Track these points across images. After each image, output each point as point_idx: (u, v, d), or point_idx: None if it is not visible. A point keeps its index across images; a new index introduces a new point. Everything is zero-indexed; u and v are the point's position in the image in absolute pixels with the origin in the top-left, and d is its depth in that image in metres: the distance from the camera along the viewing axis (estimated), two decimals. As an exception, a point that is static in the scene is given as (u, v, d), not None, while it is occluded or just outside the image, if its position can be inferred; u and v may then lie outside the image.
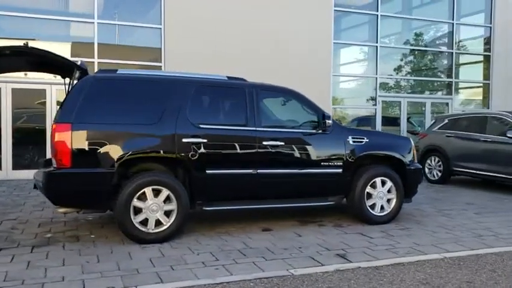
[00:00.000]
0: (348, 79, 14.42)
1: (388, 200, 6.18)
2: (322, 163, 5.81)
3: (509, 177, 8.74)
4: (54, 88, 10.45)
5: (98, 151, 4.81)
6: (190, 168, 5.15)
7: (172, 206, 5.05)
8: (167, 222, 5.03)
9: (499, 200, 8.26)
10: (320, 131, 5.83)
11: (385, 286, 3.85)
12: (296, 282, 3.90)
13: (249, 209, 5.64)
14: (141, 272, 4.09)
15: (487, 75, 15.53)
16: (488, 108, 15.32)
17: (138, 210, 4.93)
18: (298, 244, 5.06)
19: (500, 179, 9.00)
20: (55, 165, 4.73)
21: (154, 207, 4.98)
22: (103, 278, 3.92)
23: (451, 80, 15.03)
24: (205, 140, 5.19)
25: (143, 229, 4.95)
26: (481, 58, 15.67)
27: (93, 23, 10.80)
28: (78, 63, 5.04)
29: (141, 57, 11.37)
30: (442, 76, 15.36)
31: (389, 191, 6.17)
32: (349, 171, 5.93)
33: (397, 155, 6.24)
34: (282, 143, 5.57)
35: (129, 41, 11.56)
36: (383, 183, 6.12)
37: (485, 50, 15.59)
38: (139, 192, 4.91)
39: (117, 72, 5.23)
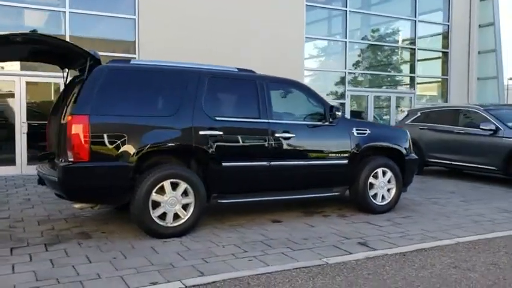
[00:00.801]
0: (318, 73, 14.66)
1: (388, 190, 6.37)
2: (330, 154, 5.92)
3: (482, 166, 9.25)
4: (23, 80, 9.91)
5: (116, 144, 4.63)
6: (207, 161, 5.08)
7: (190, 199, 4.96)
8: (185, 216, 4.95)
9: (477, 188, 8.74)
10: (327, 123, 5.92)
11: (420, 271, 3.98)
12: (335, 270, 3.96)
13: (263, 201, 5.65)
14: (176, 265, 4.00)
15: (445, 71, 16.28)
16: (446, 102, 16.08)
17: (156, 204, 4.81)
18: (315, 234, 5.13)
19: (473, 168, 9.50)
20: (71, 159, 4.51)
21: (173, 200, 4.87)
22: (140, 273, 3.80)
23: (413, 75, 15.64)
24: (221, 133, 5.13)
25: (162, 223, 4.83)
26: (440, 54, 16.41)
27: (65, 12, 10.32)
28: (92, 52, 4.82)
29: (115, 49, 11.01)
30: (405, 71, 15.95)
31: (389, 181, 6.36)
32: (354, 162, 6.06)
33: (397, 146, 6.45)
34: (293, 135, 5.61)
35: (101, 32, 11.15)
36: (384, 173, 6.31)
37: (443, 47, 16.33)
38: (158, 186, 4.79)
39: (131, 62, 5.05)
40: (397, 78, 15.93)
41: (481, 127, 9.26)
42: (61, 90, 6.12)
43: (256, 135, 5.42)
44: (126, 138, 4.66)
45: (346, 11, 14.05)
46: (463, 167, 9.79)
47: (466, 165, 9.63)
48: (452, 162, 9.87)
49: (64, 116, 5.69)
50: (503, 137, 9.01)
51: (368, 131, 6.20)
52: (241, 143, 5.33)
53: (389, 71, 15.75)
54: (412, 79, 15.67)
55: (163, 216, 4.85)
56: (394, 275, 3.86)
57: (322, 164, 5.86)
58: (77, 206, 4.86)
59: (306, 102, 5.99)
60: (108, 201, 4.89)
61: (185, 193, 4.95)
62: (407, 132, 6.76)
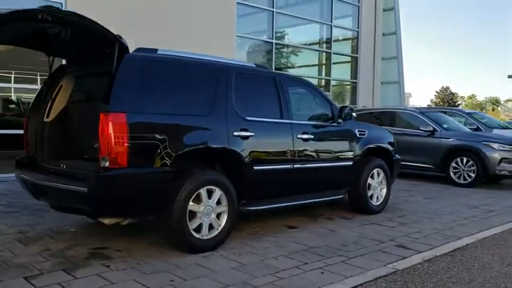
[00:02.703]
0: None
1: (381, 190, 6.47)
2: (341, 156, 5.83)
3: (421, 165, 9.93)
4: None
5: (155, 147, 3.96)
6: (240, 165, 4.61)
7: (224, 207, 4.46)
8: (219, 226, 4.43)
9: (422, 186, 9.36)
10: (335, 123, 5.81)
11: (482, 270, 4.06)
12: (413, 276, 3.85)
13: (288, 206, 5.31)
14: (255, 284, 3.53)
15: (354, 75, 17.26)
16: (356, 105, 17.05)
17: (191, 215, 4.22)
18: (346, 239, 4.95)
19: (412, 167, 10.14)
20: (106, 165, 3.72)
21: (208, 210, 4.33)
22: (225, 297, 3.28)
23: (328, 78, 16.29)
24: (252, 134, 4.69)
25: (197, 236, 4.26)
26: (349, 59, 17.34)
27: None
28: (121, 39, 4.02)
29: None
30: (322, 74, 16.55)
31: (381, 182, 6.46)
32: (358, 164, 6.03)
33: (388, 147, 6.57)
34: (311, 136, 5.37)
35: None
36: (378, 174, 6.38)
37: (352, 52, 17.29)
38: (195, 194, 4.21)
39: (158, 52, 4.35)
40: (314, 81, 16.46)
41: (420, 128, 9.94)
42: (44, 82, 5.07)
43: (281, 136, 5.09)
44: (166, 140, 4.00)
45: (272, 11, 14.08)
46: (402, 166, 10.39)
47: (405, 164, 10.24)
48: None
49: (49, 112, 4.76)
50: (441, 137, 9.78)
51: (367, 132, 6.21)
52: (269, 146, 4.95)
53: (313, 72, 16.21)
54: (328, 82, 16.32)
55: (198, 228, 4.28)
56: (474, 276, 3.87)
57: (335, 166, 5.74)
58: (107, 221, 4.05)
59: (317, 102, 5.81)
60: (144, 214, 4.16)
61: (218, 201, 4.43)
62: (391, 133, 6.94)
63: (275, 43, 14.30)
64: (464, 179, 9.40)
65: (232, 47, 12.49)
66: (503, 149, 9.18)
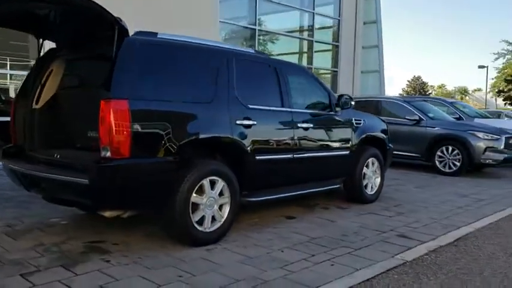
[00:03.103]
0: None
1: (375, 179, 6.43)
2: (339, 145, 5.75)
3: (407, 154, 9.97)
4: None
5: (158, 135, 3.76)
6: (242, 155, 4.46)
7: (226, 199, 4.31)
8: (221, 218, 4.28)
9: (410, 174, 9.41)
10: (333, 112, 5.71)
11: (489, 260, 4.05)
12: (422, 268, 3.80)
13: (288, 197, 5.19)
14: (267, 279, 3.41)
15: (335, 63, 17.22)
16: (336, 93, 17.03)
17: (194, 207, 4.06)
18: (347, 230, 4.88)
19: (398, 156, 10.16)
20: (108, 155, 3.51)
21: (211, 201, 4.18)
22: (239, 293, 3.15)
23: (311, 66, 16.20)
24: (254, 123, 4.54)
25: (200, 228, 4.11)
26: (331, 47, 17.29)
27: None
28: (121, 21, 3.76)
29: None
30: (305, 62, 16.45)
31: (375, 171, 6.42)
32: (355, 153, 5.96)
33: (383, 136, 6.52)
34: (311, 125, 5.26)
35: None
36: (372, 163, 6.33)
37: (334, 40, 17.22)
38: (198, 186, 4.05)
39: (159, 36, 4.12)
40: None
41: (406, 117, 9.97)
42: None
43: (282, 125, 4.96)
44: (169, 128, 3.81)
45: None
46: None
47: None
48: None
49: (38, 99, 4.50)
50: (427, 126, 9.83)
51: (363, 121, 6.14)
52: (271, 135, 4.81)
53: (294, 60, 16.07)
54: (310, 69, 16.22)
55: (200, 221, 4.12)
56: (482, 267, 3.85)
57: (334, 155, 5.66)
58: (108, 214, 3.83)
59: (315, 90, 5.67)
60: (146, 206, 3.95)
61: (221, 192, 4.28)
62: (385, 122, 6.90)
63: (258, 29, 14.09)
64: (450, 167, 9.49)
65: (216, 33, 12.23)
66: (488, 138, 9.30)
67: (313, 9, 15.92)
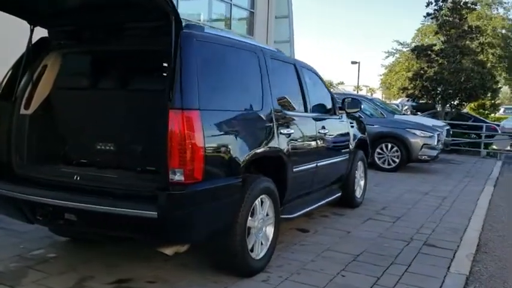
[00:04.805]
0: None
1: (360, 182, 6.32)
2: (344, 149, 5.49)
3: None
4: None
5: (226, 152, 3.12)
6: (285, 168, 3.94)
7: (271, 219, 3.79)
8: (267, 242, 3.75)
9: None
10: (338, 116, 5.44)
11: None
12: (490, 281, 3.73)
13: (313, 209, 4.79)
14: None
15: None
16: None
17: (248, 232, 3.48)
18: (373, 242, 4.61)
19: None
20: (181, 179, 2.77)
21: (261, 224, 3.63)
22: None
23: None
24: (292, 131, 4.06)
25: (253, 256, 3.54)
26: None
27: None
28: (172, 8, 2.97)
29: None
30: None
31: (361, 174, 6.31)
32: (351, 156, 5.76)
33: (367, 138, 6.43)
34: (327, 131, 4.91)
35: None
36: (359, 166, 6.21)
37: (248, 33, 16.92)
38: (252, 207, 3.48)
39: (205, 30, 3.39)
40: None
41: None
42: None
43: (309, 132, 4.53)
44: (234, 143, 3.20)
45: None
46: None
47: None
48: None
49: (28, 102, 3.54)
50: (367, 124, 10.02)
51: (355, 123, 5.97)
52: (303, 143, 4.36)
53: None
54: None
55: (251, 247, 3.56)
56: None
57: (341, 160, 5.39)
58: (169, 250, 3.06)
59: (323, 92, 5.33)
60: (211, 237, 3.25)
61: (267, 213, 3.75)
62: (363, 122, 6.81)
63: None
64: (389, 164, 9.84)
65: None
66: (424, 135, 9.82)
67: (231, 0, 15.42)
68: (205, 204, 2.96)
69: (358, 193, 6.18)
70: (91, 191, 3.07)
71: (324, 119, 5.00)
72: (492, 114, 26.09)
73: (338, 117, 5.42)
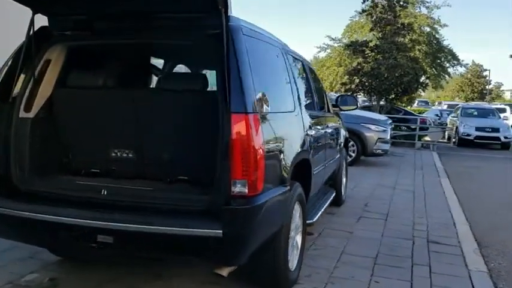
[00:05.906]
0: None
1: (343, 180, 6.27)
2: (338, 147, 5.41)
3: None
4: None
5: (279, 159, 2.86)
6: (309, 170, 3.72)
7: (300, 227, 3.57)
8: (297, 251, 3.53)
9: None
10: (331, 113, 5.31)
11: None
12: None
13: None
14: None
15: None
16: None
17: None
18: (382, 243, 4.54)
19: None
20: (244, 191, 2.45)
21: (294, 233, 3.40)
22: None
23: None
24: (313, 132, 3.86)
25: (291, 269, 3.30)
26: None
27: None
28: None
29: None
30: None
31: (343, 171, 6.26)
32: (341, 154, 5.68)
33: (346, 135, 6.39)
34: (331, 129, 4.79)
35: None
36: (343, 164, 6.16)
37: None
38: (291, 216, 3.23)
39: (242, 24, 3.04)
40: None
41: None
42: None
43: (322, 132, 4.35)
44: (284, 149, 2.92)
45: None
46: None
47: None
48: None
49: (31, 102, 3.04)
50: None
51: (340, 120, 5.89)
52: (319, 143, 4.16)
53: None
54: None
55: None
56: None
57: (336, 159, 5.28)
58: (226, 272, 2.69)
59: (320, 89, 5.16)
60: (262, 252, 2.92)
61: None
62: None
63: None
64: (345, 158, 9.95)
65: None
66: (378, 130, 10.05)
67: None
68: (265, 217, 2.66)
69: (344, 191, 6.13)
70: (126, 208, 2.65)
71: (327, 117, 4.86)
72: (408, 107, 27.76)
73: (332, 114, 5.30)
